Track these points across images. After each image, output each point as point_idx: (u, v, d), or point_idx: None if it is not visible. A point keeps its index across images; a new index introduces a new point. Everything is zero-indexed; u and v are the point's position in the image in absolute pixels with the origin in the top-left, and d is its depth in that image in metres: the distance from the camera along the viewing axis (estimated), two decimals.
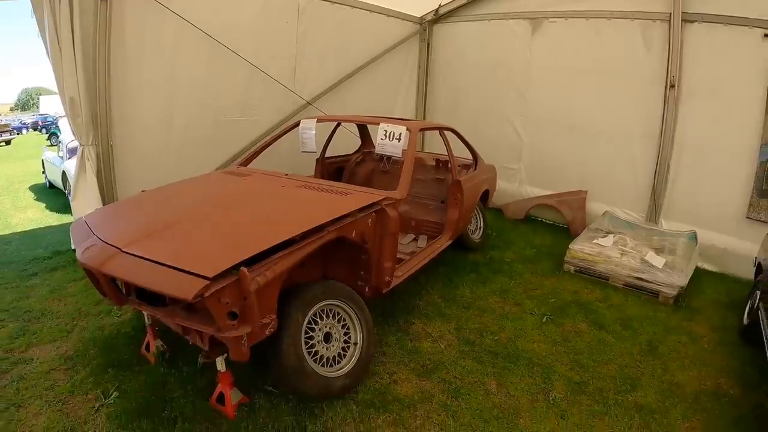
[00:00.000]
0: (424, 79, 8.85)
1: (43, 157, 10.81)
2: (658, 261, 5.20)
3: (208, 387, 3.04)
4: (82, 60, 4.71)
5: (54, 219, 7.76)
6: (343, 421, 2.85)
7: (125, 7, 4.87)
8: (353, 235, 3.14)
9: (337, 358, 3.04)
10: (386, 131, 4.26)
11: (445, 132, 5.30)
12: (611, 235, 5.85)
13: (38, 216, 8.01)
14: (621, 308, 4.70)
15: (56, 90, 5.11)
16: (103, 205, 5.03)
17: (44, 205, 8.87)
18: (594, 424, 3.01)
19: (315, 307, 2.88)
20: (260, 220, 3.07)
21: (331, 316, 3.04)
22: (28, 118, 39.67)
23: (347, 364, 3.04)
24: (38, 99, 63.83)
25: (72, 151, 8.69)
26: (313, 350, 2.86)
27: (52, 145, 21.26)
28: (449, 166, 5.26)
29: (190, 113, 5.65)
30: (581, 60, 6.98)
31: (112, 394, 3.04)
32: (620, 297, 4.96)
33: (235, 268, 2.28)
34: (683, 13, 6.01)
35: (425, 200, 5.75)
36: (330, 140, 5.63)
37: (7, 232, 7.02)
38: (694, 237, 5.90)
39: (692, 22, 6.03)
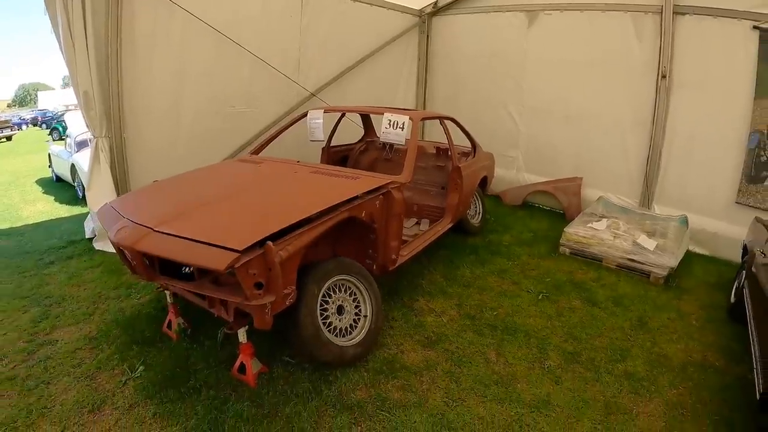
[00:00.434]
0: (423, 70, 9.05)
1: (50, 151, 10.99)
2: (650, 243, 5.43)
3: (229, 359, 3.26)
4: (94, 55, 4.90)
5: (64, 211, 7.95)
6: (355, 386, 3.10)
7: (135, 3, 5.06)
8: (363, 215, 3.37)
9: (349, 329, 3.28)
10: (390, 120, 4.50)
11: (446, 121, 5.52)
12: (605, 220, 6.07)
13: (48, 208, 8.20)
14: (613, 287, 4.94)
15: (53, 86, 5.31)
16: (117, 194, 5.24)
17: (53, 197, 9.05)
18: (586, 388, 3.25)
19: (329, 282, 3.11)
20: (279, 201, 3.31)
21: (343, 290, 3.28)
22: (27, 113, 39.64)
23: (358, 335, 3.28)
24: (36, 95, 63.79)
25: (80, 145, 8.86)
26: (328, 321, 3.10)
27: (54, 140, 21.42)
28: (449, 153, 5.48)
29: (198, 106, 5.86)
30: (576, 51, 7.17)
31: (138, 368, 3.24)
32: (613, 277, 5.20)
33: (261, 242, 2.51)
34: (675, 5, 6.20)
35: (426, 186, 5.98)
36: (335, 130, 5.83)
37: (19, 224, 7.21)
38: (685, 221, 6.12)
39: (683, 14, 6.23)
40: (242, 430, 2.69)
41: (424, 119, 4.98)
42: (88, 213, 6.18)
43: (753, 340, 3.27)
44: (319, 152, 5.88)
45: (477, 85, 8.35)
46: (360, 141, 6.44)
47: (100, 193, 5.30)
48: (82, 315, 4.04)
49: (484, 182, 6.32)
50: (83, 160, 8.26)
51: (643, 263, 5.24)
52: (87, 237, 5.90)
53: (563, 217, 7.03)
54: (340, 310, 3.24)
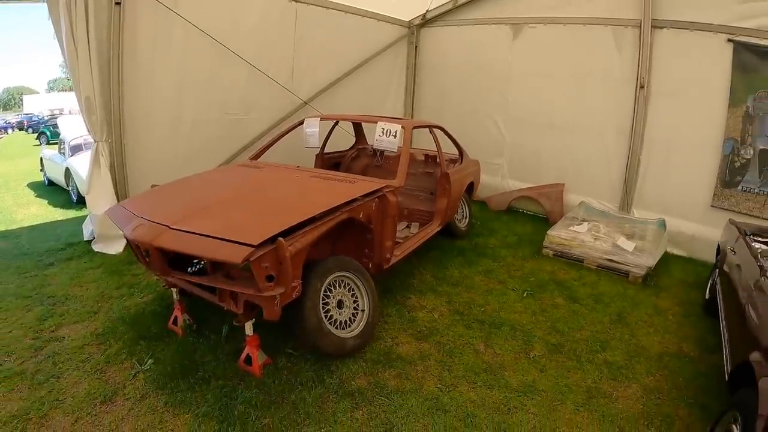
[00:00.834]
0: (412, 79, 9.32)
1: (42, 155, 11.04)
2: (629, 245, 5.70)
3: (234, 352, 3.44)
4: (97, 60, 5.07)
5: (59, 214, 8.01)
6: (355, 375, 3.30)
7: (137, 12, 5.25)
8: (361, 216, 3.60)
9: (348, 322, 3.49)
10: (384, 129, 4.75)
11: (435, 129, 5.77)
12: (586, 223, 6.35)
13: (42, 212, 8.26)
14: (594, 285, 5.21)
15: (37, 89, 5.46)
16: (117, 197, 5.39)
17: (46, 201, 9.09)
18: (569, 376, 3.50)
19: (330, 278, 3.33)
20: (286, 202, 3.53)
21: (342, 286, 3.50)
22: (13, 117, 39.24)
23: (357, 327, 3.50)
24: (21, 98, 63.08)
25: (74, 149, 8.95)
26: (329, 314, 3.31)
27: (42, 145, 21.31)
28: (437, 160, 5.73)
29: (195, 112, 6.05)
30: (558, 63, 7.49)
31: (147, 362, 3.40)
32: (593, 276, 5.47)
33: (272, 239, 2.71)
34: (653, 19, 6.54)
35: (416, 192, 6.21)
36: (329, 137, 6.04)
37: (14, 227, 7.27)
38: (663, 224, 6.42)
39: (661, 28, 6.58)
40: (251, 415, 2.87)
41: (415, 128, 5.23)
42: (85, 216, 6.29)
43: (723, 330, 3.53)
44: (311, 158, 6.07)
45: (463, 95, 8.62)
46: (351, 148, 6.66)
47: (100, 197, 5.45)
48: (86, 313, 4.15)
49: (470, 188, 6.58)
50: (78, 164, 8.35)
51: (622, 263, 5.52)
52: (85, 239, 5.99)
53: (546, 222, 7.29)
54: (339, 304, 3.45)
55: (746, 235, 4.36)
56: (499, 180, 8.41)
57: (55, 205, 8.68)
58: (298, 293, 2.97)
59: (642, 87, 6.75)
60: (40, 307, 4.27)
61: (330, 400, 3.04)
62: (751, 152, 6.23)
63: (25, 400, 3.02)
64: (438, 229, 5.42)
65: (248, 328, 3.16)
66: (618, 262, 5.55)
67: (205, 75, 6.05)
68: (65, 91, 57.51)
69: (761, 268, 3.40)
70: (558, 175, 7.73)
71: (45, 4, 5.10)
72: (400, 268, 5.05)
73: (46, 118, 30.79)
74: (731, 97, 6.30)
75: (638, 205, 7.08)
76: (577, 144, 7.49)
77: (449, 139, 6.14)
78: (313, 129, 5.18)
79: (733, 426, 2.38)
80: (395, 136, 4.72)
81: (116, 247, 5.57)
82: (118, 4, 5.04)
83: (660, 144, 6.82)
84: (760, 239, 4.30)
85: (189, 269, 3.43)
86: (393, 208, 3.93)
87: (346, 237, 3.84)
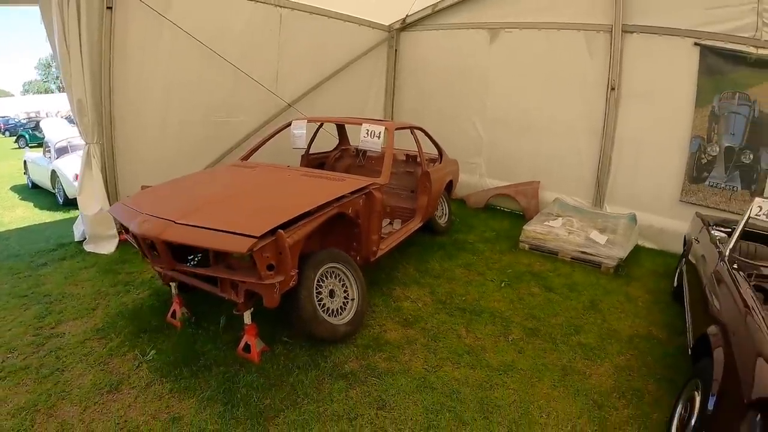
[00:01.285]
0: (392, 82, 9.60)
1: (25, 158, 11.03)
2: (601, 238, 6.04)
3: (233, 341, 3.65)
4: (89, 64, 5.21)
5: (46, 216, 8.07)
6: (348, 359, 3.55)
7: (128, 16, 5.42)
8: (349, 211, 3.86)
9: (339, 310, 3.74)
10: (368, 130, 5.02)
11: (416, 130, 6.05)
12: (560, 218, 6.69)
13: (28, 214, 8.30)
14: (568, 276, 5.53)
15: (10, 91, 5.56)
16: (108, 198, 5.53)
17: (32, 203, 9.12)
18: (545, 356, 3.79)
19: (322, 269, 3.58)
20: (281, 198, 3.77)
21: (333, 277, 3.74)
22: None
23: (347, 315, 3.74)
24: None
25: (60, 151, 9.01)
26: (322, 303, 3.55)
27: (21, 148, 21.06)
28: (418, 159, 6.00)
29: (183, 115, 6.22)
30: (534, 66, 7.83)
31: (150, 353, 3.57)
32: (567, 268, 5.80)
33: (272, 231, 2.94)
34: (623, 25, 6.92)
35: (398, 190, 6.47)
36: (314, 138, 6.26)
37: (1, 229, 7.32)
38: (633, 218, 6.78)
39: (631, 32, 6.97)
40: (253, 396, 3.09)
41: (397, 129, 5.49)
42: (73, 218, 6.38)
43: (687, 311, 3.87)
44: (296, 159, 6.28)
45: (442, 97, 8.93)
46: (335, 149, 6.89)
47: (92, 198, 5.58)
48: (85, 310, 4.27)
49: (450, 186, 6.86)
50: (64, 166, 8.42)
51: (594, 255, 5.85)
52: (77, 240, 6.10)
53: (523, 218, 7.60)
54: (331, 293, 3.69)
55: (709, 225, 4.72)
56: (478, 179, 8.72)
57: (41, 208, 8.73)
58: (294, 282, 3.20)
59: (613, 89, 7.12)
60: (38, 305, 4.37)
61: (326, 382, 3.27)
62: (717, 149, 6.64)
63: (31, 392, 3.13)
64: (419, 225, 5.68)
65: (247, 317, 3.37)
66: (591, 254, 5.88)
67: (192, 78, 6.22)
68: (41, 93, 56.51)
69: (720, 253, 3.74)
70: (533, 173, 8.07)
71: (36, 7, 5.23)
72: (385, 262, 5.31)
73: (23, 121, 30.26)
74: (698, 98, 6.70)
75: (610, 201, 7.45)
76: (552, 144, 7.84)
77: (429, 140, 6.40)
78: (300, 131, 5.41)
79: (695, 392, 2.67)
80: (379, 137, 4.98)
81: (108, 247, 5.70)
82: (109, 8, 5.20)
83: (630, 143, 7.19)
84: (721, 229, 4.65)
85: (190, 262, 3.62)
86: (379, 204, 4.20)
87: (335, 231, 4.08)
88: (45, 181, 9.53)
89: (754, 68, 6.52)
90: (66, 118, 16.96)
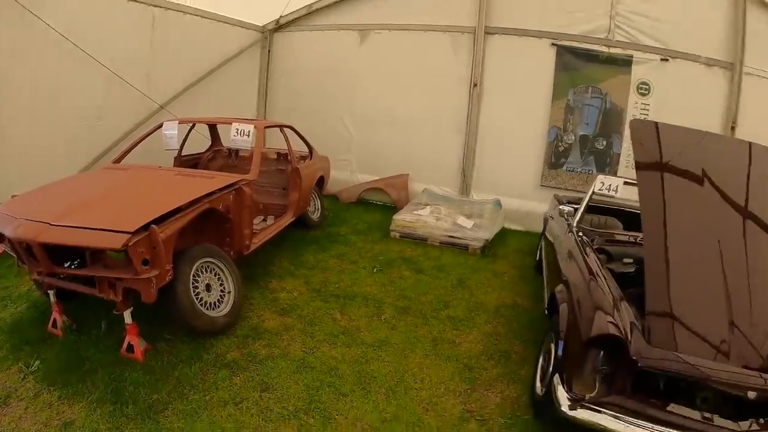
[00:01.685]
0: (265, 83, 10.22)
1: None
2: (468, 223, 7.11)
3: (116, 344, 4.01)
4: None
5: None
6: (229, 349, 4.09)
7: None
8: (220, 207, 4.42)
9: (217, 303, 4.28)
10: (238, 129, 5.63)
11: (285, 129, 6.73)
12: (429, 207, 7.70)
13: None
14: (437, 259, 6.49)
15: None
16: None
17: None
18: (417, 330, 4.62)
19: (197, 263, 4.09)
20: (153, 196, 4.24)
21: (209, 271, 4.27)
22: None
23: (225, 307, 4.30)
24: None
25: None
26: (199, 297, 4.07)
27: None
28: (289, 157, 6.67)
29: (53, 118, 6.38)
30: (402, 65, 8.92)
31: (34, 364, 3.81)
32: (437, 252, 6.78)
33: (146, 227, 3.44)
34: (486, 26, 8.21)
35: (270, 188, 7.10)
36: (186, 140, 6.67)
37: None
38: (498, 203, 8.01)
39: (493, 34, 8.31)
40: (141, 393, 3.52)
41: (267, 127, 6.10)
42: None
43: (544, 278, 4.95)
44: (170, 161, 6.62)
45: (314, 96, 9.70)
46: (208, 150, 7.36)
47: None
48: None
49: (321, 182, 7.63)
50: None
51: (462, 238, 6.88)
52: None
53: (394, 210, 8.45)
54: (208, 287, 4.22)
55: (561, 203, 5.89)
56: (349, 174, 9.59)
57: None
58: (170, 276, 3.70)
59: (475, 86, 8.39)
60: None
61: (210, 372, 3.79)
62: (573, 138, 8.15)
63: None
64: (292, 219, 6.33)
65: (127, 316, 3.79)
66: (458, 238, 6.91)
67: (63, 82, 6.38)
68: None
69: (569, 225, 4.85)
70: (403, 167, 9.14)
71: None
72: (261, 257, 5.89)
73: None
74: (554, 92, 8.22)
75: (476, 189, 8.70)
76: (420, 138, 8.97)
77: (299, 137, 7.08)
78: (171, 131, 5.84)
79: (551, 344, 3.55)
80: (249, 136, 5.59)
81: None
82: None
83: (493, 135, 8.52)
84: (573, 206, 5.81)
85: (67, 266, 3.92)
86: (248, 199, 4.79)
87: (208, 227, 4.60)
88: None
89: (606, 65, 8.12)
90: None
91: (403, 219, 7.30)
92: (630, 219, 5.57)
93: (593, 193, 5.14)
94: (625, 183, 4.90)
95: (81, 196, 4.24)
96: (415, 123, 9.00)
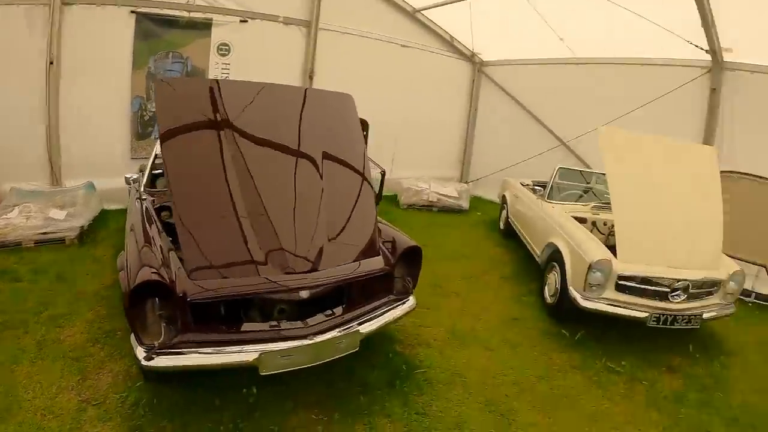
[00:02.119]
0: None
1: None
2: (60, 214, 7.07)
3: None
4: None
5: None
6: None
7: None
8: None
9: None
10: None
11: None
12: (17, 207, 7.26)
13: None
14: (34, 261, 6.32)
15: None
16: None
17: None
18: (20, 342, 4.47)
19: None
20: None
21: None
22: None
23: None
24: None
25: None
26: None
27: None
28: None
29: None
30: None
31: None
32: (33, 253, 6.57)
33: None
34: None
35: None
36: None
37: None
38: (91, 186, 8.03)
39: (71, 4, 7.79)
40: None
41: None
42: None
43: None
44: None
45: None
46: None
47: None
48: None
49: None
50: None
51: (56, 232, 6.85)
52: None
53: None
54: None
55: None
56: None
57: None
58: None
59: (52, 63, 7.81)
60: None
61: None
62: None
63: None
64: None
65: None
66: (53, 232, 6.85)
67: None
68: None
69: (136, 191, 5.50)
70: None
71: None
72: None
73: None
74: (135, 61, 8.38)
75: (69, 176, 8.38)
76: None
77: None
78: None
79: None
80: None
81: None
82: None
83: (77, 114, 8.22)
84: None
85: None
86: None
87: None
88: None
89: (186, 29, 8.64)
90: None
91: None
92: None
93: (156, 156, 5.86)
94: None
95: None
96: None
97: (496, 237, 9.62)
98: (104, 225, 7.76)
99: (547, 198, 7.46)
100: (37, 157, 8.30)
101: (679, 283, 5.42)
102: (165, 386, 4.06)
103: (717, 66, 8.77)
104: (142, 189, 5.41)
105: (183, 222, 3.86)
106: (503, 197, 9.75)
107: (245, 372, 3.92)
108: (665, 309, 5.35)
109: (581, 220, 6.71)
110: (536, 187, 8.20)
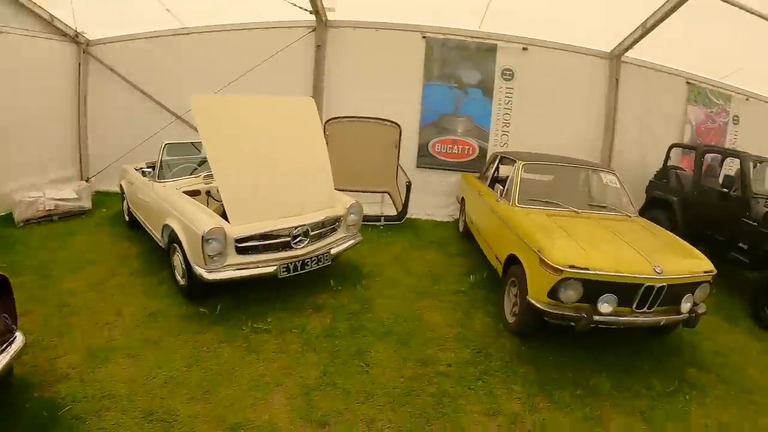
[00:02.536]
0: None
1: None
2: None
3: None
4: None
5: None
6: None
7: None
8: None
9: None
10: None
11: None
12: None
13: None
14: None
15: None
16: None
17: None
18: None
19: None
20: None
21: None
22: None
23: None
24: None
25: None
26: None
27: None
28: None
29: None
30: None
31: None
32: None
33: None
34: None
35: None
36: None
37: None
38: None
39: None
40: None
41: None
42: None
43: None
44: None
45: None
46: None
47: None
48: None
49: None
50: None
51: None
52: None
53: None
54: None
55: None
56: None
57: None
58: None
59: None
60: None
61: None
62: None
63: None
64: None
65: None
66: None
67: None
68: None
69: None
70: None
71: None
72: None
73: None
74: None
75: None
76: None
77: None
78: None
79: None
80: None
81: None
82: None
83: None
84: None
85: None
86: None
87: None
88: None
89: None
90: None
91: None
92: None
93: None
94: None
95: None
96: None
97: (124, 231, 8.53)
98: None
99: (158, 178, 6.80)
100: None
101: (297, 229, 5.53)
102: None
103: (321, 24, 9.79)
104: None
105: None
106: (120, 186, 8.64)
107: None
108: (292, 257, 5.57)
109: (195, 193, 6.51)
110: (146, 170, 7.14)
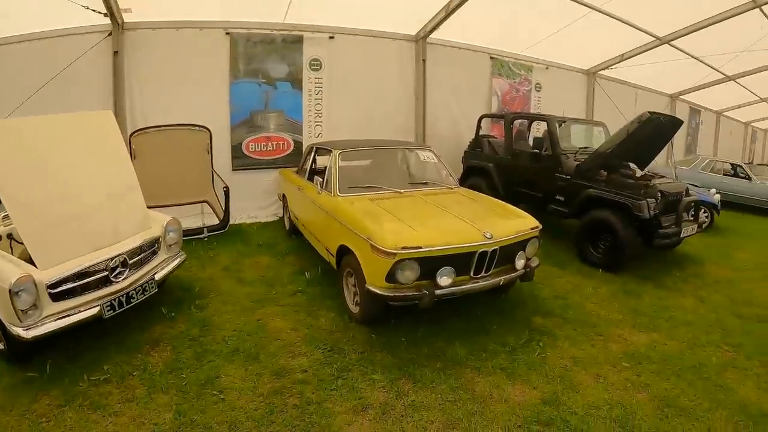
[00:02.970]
0: None
1: None
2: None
3: None
4: None
5: None
6: None
7: None
8: None
9: None
10: None
11: None
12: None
13: None
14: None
15: None
16: None
17: None
18: None
19: None
20: None
21: None
22: None
23: None
24: None
25: None
26: None
27: None
28: None
29: None
30: None
31: None
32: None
33: None
34: None
35: None
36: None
37: None
38: None
39: None
40: None
41: None
42: None
43: None
44: None
45: None
46: None
47: None
48: None
49: None
50: None
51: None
52: None
53: None
54: None
55: None
56: None
57: None
58: None
59: None
60: None
61: None
62: None
63: None
64: None
65: None
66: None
67: None
68: None
69: None
70: None
71: None
72: None
73: None
74: None
75: None
76: None
77: None
78: None
79: None
80: None
81: None
82: None
83: None
84: None
85: None
86: None
87: None
88: None
89: None
90: None
91: None
92: None
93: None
94: None
95: None
96: None
97: None
98: None
99: None
100: None
101: (114, 260, 4.96)
102: None
103: (117, 28, 8.62)
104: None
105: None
106: None
107: None
108: (114, 292, 4.97)
109: None
110: None
